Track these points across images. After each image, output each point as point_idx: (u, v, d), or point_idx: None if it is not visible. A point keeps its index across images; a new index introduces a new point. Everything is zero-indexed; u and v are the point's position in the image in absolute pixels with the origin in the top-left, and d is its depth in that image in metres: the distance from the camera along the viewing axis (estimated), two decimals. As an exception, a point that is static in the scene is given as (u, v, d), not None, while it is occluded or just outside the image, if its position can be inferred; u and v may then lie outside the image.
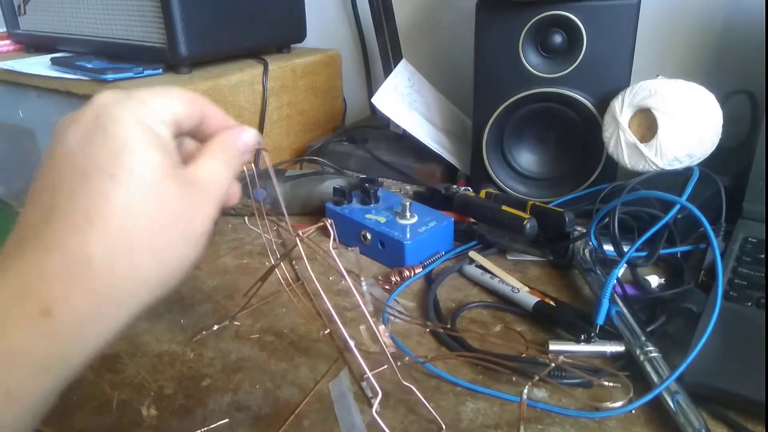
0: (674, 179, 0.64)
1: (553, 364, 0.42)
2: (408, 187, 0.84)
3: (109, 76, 0.85)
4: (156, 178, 0.28)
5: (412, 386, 0.45)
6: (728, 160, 0.71)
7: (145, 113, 0.29)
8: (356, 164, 0.95)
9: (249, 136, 0.36)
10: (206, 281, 0.65)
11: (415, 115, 0.88)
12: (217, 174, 0.33)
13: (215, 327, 0.56)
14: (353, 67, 1.17)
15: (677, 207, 0.54)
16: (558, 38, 0.68)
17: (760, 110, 0.64)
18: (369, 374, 0.42)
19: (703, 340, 0.45)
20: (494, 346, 0.53)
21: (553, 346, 0.51)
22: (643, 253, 0.61)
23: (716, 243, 0.48)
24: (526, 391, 0.40)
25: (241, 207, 0.77)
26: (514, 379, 0.49)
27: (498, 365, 0.48)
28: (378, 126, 1.03)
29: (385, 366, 0.47)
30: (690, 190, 0.59)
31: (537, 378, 0.43)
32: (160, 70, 0.90)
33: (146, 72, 0.88)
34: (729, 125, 0.71)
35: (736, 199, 0.67)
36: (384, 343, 0.45)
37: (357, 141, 0.98)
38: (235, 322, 0.57)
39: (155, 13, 0.87)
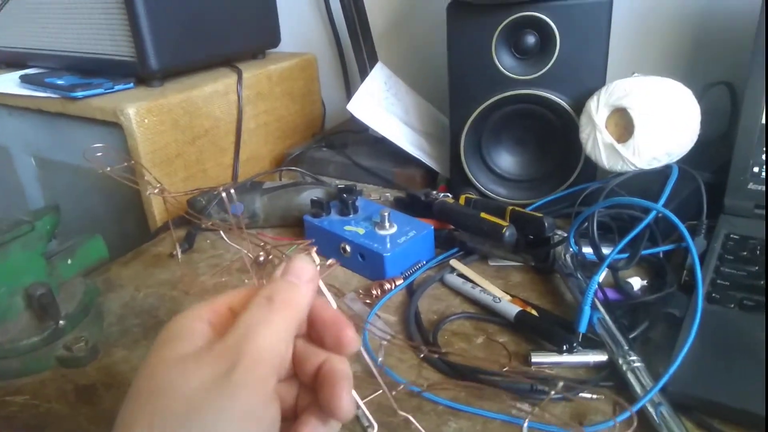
0: (654, 177, 0.63)
1: (550, 391, 0.41)
2: (388, 194, 0.83)
3: (79, 93, 0.84)
4: None
5: (409, 416, 0.44)
6: (708, 153, 0.71)
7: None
8: (336, 170, 0.93)
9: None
10: (184, 302, 0.64)
11: (393, 119, 0.86)
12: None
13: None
14: (331, 70, 1.15)
15: (654, 213, 0.53)
16: (531, 39, 0.67)
17: (739, 102, 0.63)
18: (362, 404, 0.41)
19: (684, 350, 0.44)
20: (477, 361, 0.52)
21: (536, 358, 0.51)
22: (625, 255, 0.60)
23: (695, 251, 0.48)
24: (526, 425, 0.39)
25: (219, 222, 0.76)
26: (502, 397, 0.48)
27: (484, 383, 0.48)
28: (357, 130, 1.01)
29: (380, 392, 0.47)
30: (669, 189, 0.58)
31: (531, 407, 0.43)
32: (132, 84, 0.88)
33: (117, 87, 0.87)
34: (708, 117, 0.70)
35: (718, 193, 0.66)
36: (377, 374, 0.44)
37: (336, 146, 0.96)
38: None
39: (123, 27, 0.85)
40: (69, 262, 0.62)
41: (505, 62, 0.68)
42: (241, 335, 0.29)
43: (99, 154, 0.67)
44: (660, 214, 0.60)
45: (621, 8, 0.67)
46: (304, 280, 0.32)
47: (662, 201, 0.55)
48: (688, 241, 0.48)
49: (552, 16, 0.64)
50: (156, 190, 0.57)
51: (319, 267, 0.37)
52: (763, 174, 0.64)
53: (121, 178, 0.59)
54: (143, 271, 0.71)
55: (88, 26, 0.91)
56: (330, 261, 0.37)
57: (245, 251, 0.58)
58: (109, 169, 0.62)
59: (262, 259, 0.52)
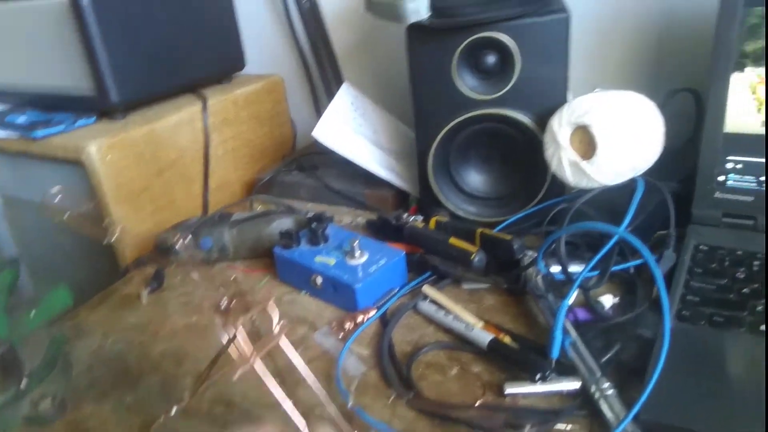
0: (621, 192, 0.63)
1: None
2: (360, 218, 0.82)
3: (39, 133, 0.82)
4: None
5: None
6: (675, 161, 0.70)
7: None
8: (307, 194, 0.92)
9: None
10: (153, 347, 0.63)
11: (361, 142, 0.86)
12: None
13: (161, 419, 0.53)
14: (299, 89, 1.14)
15: (616, 237, 0.52)
16: (491, 59, 0.66)
17: (704, 108, 0.63)
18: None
19: (654, 378, 0.44)
20: (451, 395, 0.52)
21: (509, 389, 0.50)
22: (595, 272, 0.60)
23: (660, 276, 0.47)
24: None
25: (188, 257, 0.75)
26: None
27: (459, 421, 0.47)
28: (328, 150, 1.00)
29: None
30: (635, 206, 0.58)
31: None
32: (93, 119, 0.86)
33: (78, 123, 0.85)
34: (674, 123, 0.70)
35: (686, 202, 0.66)
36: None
37: (306, 169, 0.95)
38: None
39: (82, 61, 0.83)
40: (32, 314, 0.60)
41: (467, 83, 0.68)
42: None
43: (57, 198, 0.65)
44: (630, 228, 0.60)
45: (580, 23, 0.67)
46: None
47: (625, 223, 0.55)
48: (652, 268, 0.48)
49: (510, 36, 0.64)
50: (114, 237, 0.55)
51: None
52: (730, 182, 0.63)
53: (78, 226, 0.58)
54: (112, 315, 0.70)
55: (47, 61, 0.89)
56: (276, 326, 0.36)
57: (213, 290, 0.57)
58: (66, 216, 0.61)
59: (224, 305, 0.51)
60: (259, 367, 0.41)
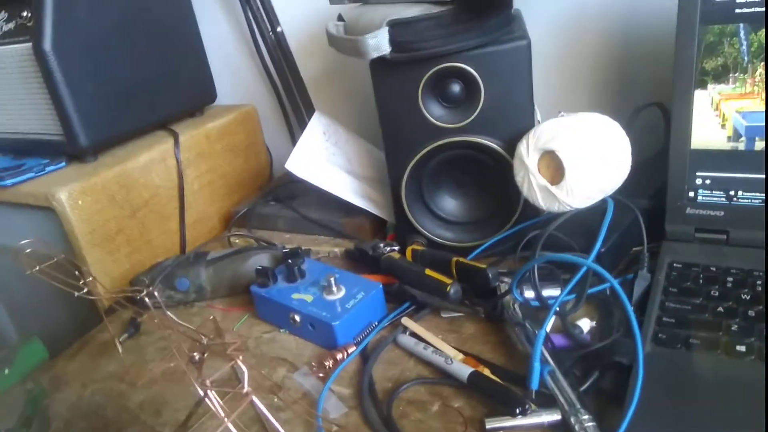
0: (593, 213, 0.63)
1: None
2: (336, 250, 0.81)
3: (8, 182, 0.81)
4: None
5: None
6: (645, 175, 0.71)
7: None
8: (285, 225, 0.92)
9: None
10: (132, 397, 0.62)
11: (336, 171, 0.85)
12: None
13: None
14: (273, 117, 1.14)
15: (584, 269, 0.52)
16: (456, 88, 0.66)
17: (671, 122, 0.63)
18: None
19: (632, 408, 0.44)
20: (433, 431, 0.51)
21: (490, 425, 0.50)
22: (572, 296, 0.60)
23: (629, 307, 0.47)
24: None
25: (165, 300, 0.74)
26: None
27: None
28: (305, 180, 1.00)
29: None
30: (605, 229, 0.58)
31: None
32: (63, 163, 0.85)
33: (48, 168, 0.84)
34: (643, 137, 0.71)
35: (659, 217, 0.66)
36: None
37: (283, 200, 0.95)
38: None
39: (48, 106, 0.83)
40: (6, 372, 0.60)
41: (433, 112, 0.68)
42: None
43: (29, 250, 0.64)
44: (603, 249, 0.60)
45: (540, 47, 0.67)
46: None
47: (593, 254, 0.55)
48: (621, 298, 0.48)
49: (472, 65, 0.64)
50: (84, 290, 0.55)
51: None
52: (699, 198, 0.64)
53: (50, 278, 0.57)
54: (90, 363, 0.69)
55: (15, 107, 0.88)
56: (246, 390, 0.35)
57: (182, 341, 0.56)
58: (37, 269, 0.60)
59: (197, 358, 0.50)
60: (235, 426, 0.40)
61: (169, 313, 0.67)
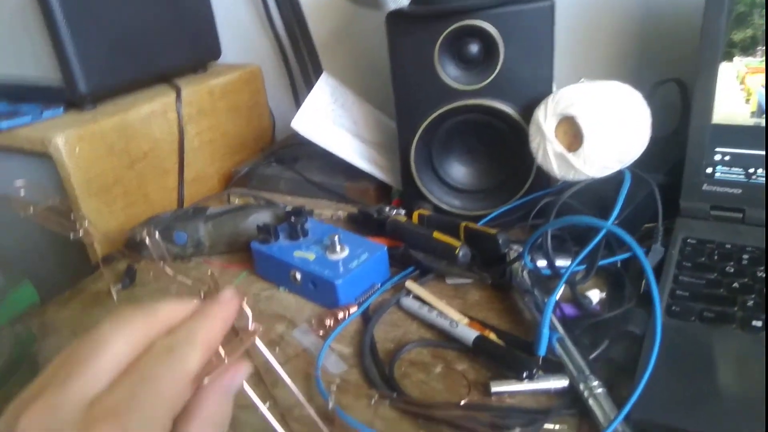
0: (608, 184, 0.61)
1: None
2: (340, 212, 0.79)
3: (3, 125, 0.78)
4: None
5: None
6: (661, 152, 0.69)
7: None
8: (286, 187, 0.90)
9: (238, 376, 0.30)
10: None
11: (341, 133, 0.83)
12: None
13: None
14: (278, 79, 1.11)
15: (604, 231, 0.51)
16: (474, 48, 0.64)
17: (690, 98, 0.62)
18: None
19: (646, 376, 0.42)
20: (435, 393, 0.50)
21: (495, 388, 0.48)
22: (582, 267, 0.58)
23: (650, 271, 0.46)
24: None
25: (161, 253, 0.72)
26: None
27: (442, 422, 0.45)
28: (308, 142, 0.98)
29: None
30: (622, 199, 0.56)
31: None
32: (61, 110, 0.83)
33: (45, 114, 0.81)
34: (659, 114, 0.69)
35: (673, 193, 0.65)
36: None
37: (286, 161, 0.93)
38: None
39: (48, 49, 0.80)
40: (-5, 312, 0.58)
41: (449, 72, 0.66)
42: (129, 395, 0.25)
43: (23, 192, 0.62)
44: (616, 221, 0.59)
45: (564, 12, 0.65)
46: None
47: (613, 216, 0.54)
48: (642, 261, 0.46)
49: (494, 24, 0.62)
50: (80, 232, 0.53)
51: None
52: (717, 174, 0.62)
53: (44, 221, 0.55)
54: (81, 312, 0.67)
55: (12, 50, 0.85)
56: (252, 328, 0.33)
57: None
58: (32, 209, 0.58)
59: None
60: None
61: (165, 265, 0.66)
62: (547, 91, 0.63)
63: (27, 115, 0.80)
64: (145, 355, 0.27)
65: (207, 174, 0.96)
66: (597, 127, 0.57)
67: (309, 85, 1.01)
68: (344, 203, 0.85)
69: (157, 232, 0.59)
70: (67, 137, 0.74)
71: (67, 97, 0.82)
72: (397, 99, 0.69)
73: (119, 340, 0.27)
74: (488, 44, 0.63)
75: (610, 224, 0.49)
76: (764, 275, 0.53)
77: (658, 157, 0.69)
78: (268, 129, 1.09)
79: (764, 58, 0.58)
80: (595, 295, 0.58)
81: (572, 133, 0.59)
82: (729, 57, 0.59)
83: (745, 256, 0.55)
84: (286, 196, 0.89)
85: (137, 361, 0.27)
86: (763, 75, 0.58)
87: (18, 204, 0.60)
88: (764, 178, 0.60)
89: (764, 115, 0.59)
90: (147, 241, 0.50)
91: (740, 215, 0.61)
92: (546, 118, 0.60)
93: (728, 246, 0.57)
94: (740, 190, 0.61)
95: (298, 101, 1.09)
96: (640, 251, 0.46)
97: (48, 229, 0.86)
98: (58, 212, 0.61)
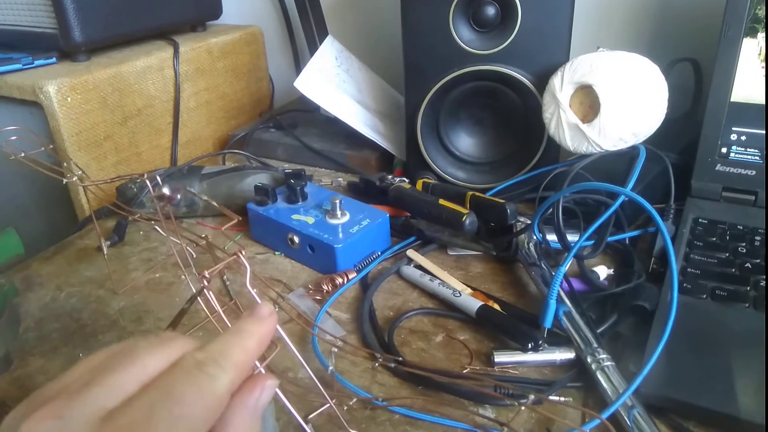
0: (619, 159, 0.60)
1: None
2: (341, 179, 0.77)
3: (-8, 69, 0.75)
4: None
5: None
6: (672, 133, 0.67)
7: None
8: (284, 153, 0.87)
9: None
10: (111, 303, 0.57)
11: (345, 98, 0.81)
12: None
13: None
14: (278, 43, 1.08)
15: (622, 197, 0.49)
16: (491, 11, 0.62)
17: (704, 80, 0.60)
18: (304, 424, 0.36)
19: (659, 349, 0.41)
20: (436, 361, 0.48)
21: (499, 358, 0.47)
22: (590, 242, 0.56)
23: (669, 239, 0.44)
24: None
25: (153, 212, 0.69)
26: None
27: (443, 390, 0.44)
28: (308, 109, 0.95)
29: (327, 406, 0.42)
30: (638, 172, 0.54)
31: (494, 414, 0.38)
32: (54, 59, 0.79)
33: (37, 62, 0.78)
34: (671, 96, 0.67)
35: (683, 175, 0.63)
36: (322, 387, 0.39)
37: (285, 127, 0.90)
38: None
39: (43, -6, 0.76)
40: (-24, 260, 0.55)
41: (463, 35, 0.63)
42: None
43: (13, 137, 0.59)
44: (626, 199, 0.57)
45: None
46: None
47: (631, 184, 0.52)
48: (661, 228, 0.44)
49: (513, -15, 0.59)
50: (75, 178, 0.50)
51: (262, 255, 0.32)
52: (732, 155, 0.61)
53: (37, 165, 0.52)
54: (67, 267, 0.64)
55: (3, -5, 0.82)
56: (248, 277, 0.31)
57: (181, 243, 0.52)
58: (23, 154, 0.54)
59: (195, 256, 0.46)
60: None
61: (156, 224, 0.63)
62: (563, 60, 0.61)
63: (18, 62, 0.77)
64: (172, 368, 0.24)
65: (202, 136, 0.93)
66: (615, 97, 0.55)
67: (312, 51, 0.98)
68: (344, 172, 0.82)
69: (159, 182, 0.55)
70: (59, 86, 0.71)
71: (61, 46, 0.78)
72: (407, 62, 0.66)
73: (154, 356, 0.24)
74: (506, 7, 0.61)
75: (628, 190, 0.47)
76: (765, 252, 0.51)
77: (668, 139, 0.67)
78: (267, 94, 1.06)
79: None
80: (602, 272, 0.56)
81: (588, 104, 0.57)
82: (753, 33, 0.57)
83: (758, 238, 0.54)
84: (284, 163, 0.87)
85: (162, 375, 0.24)
86: (787, 53, 0.56)
87: (6, 150, 0.57)
88: (780, 161, 0.59)
89: (784, 96, 0.57)
90: (145, 193, 0.47)
91: (753, 198, 0.60)
92: (562, 86, 0.58)
93: (740, 227, 0.56)
94: (754, 172, 0.60)
95: (298, 68, 1.06)
96: (658, 217, 0.44)
97: (34, 186, 0.83)
98: (49, 160, 0.58)
